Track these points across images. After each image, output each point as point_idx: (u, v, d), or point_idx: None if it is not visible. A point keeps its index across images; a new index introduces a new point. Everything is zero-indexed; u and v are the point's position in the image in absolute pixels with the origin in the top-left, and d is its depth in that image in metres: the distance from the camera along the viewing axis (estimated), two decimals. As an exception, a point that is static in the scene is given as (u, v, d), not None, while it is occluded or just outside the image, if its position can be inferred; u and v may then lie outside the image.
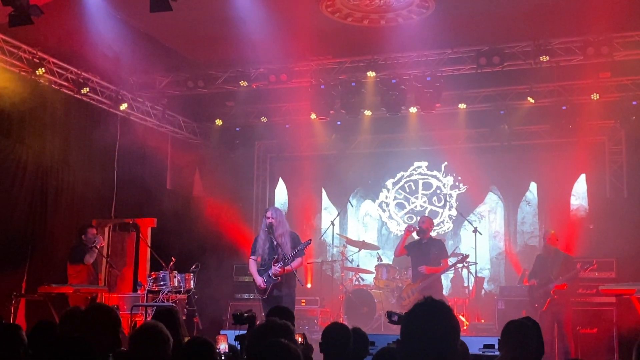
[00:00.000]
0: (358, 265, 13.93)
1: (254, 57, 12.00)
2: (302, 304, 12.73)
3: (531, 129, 13.90)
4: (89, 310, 4.43)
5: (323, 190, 15.74)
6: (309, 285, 14.27)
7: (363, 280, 13.54)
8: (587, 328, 10.61)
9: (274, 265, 9.08)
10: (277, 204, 15.22)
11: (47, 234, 11.46)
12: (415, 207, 15.13)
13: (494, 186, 14.73)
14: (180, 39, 11.86)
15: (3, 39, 10.48)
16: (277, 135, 14.94)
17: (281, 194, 16.02)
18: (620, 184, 13.43)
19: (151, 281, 10.67)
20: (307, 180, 15.51)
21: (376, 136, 14.95)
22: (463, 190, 14.83)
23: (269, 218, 9.27)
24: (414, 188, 15.24)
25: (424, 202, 15.11)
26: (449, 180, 14.97)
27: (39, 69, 10.95)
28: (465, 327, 11.88)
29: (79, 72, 11.84)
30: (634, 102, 12.27)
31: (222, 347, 5.34)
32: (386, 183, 15.39)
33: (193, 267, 11.04)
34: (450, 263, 11.17)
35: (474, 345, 6.97)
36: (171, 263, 10.82)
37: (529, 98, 12.62)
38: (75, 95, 11.92)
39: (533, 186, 14.49)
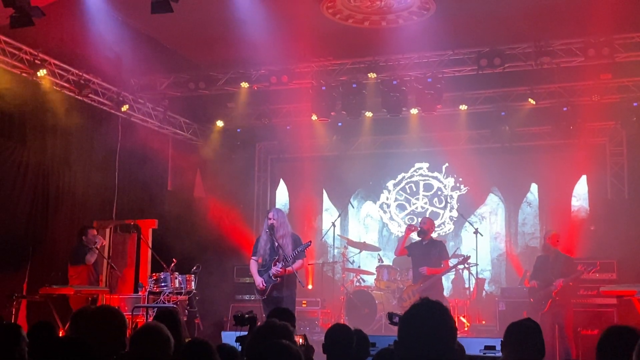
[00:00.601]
0: (359, 267, 13.93)
1: (255, 59, 12.02)
2: (303, 305, 12.74)
3: (532, 131, 13.91)
4: (97, 312, 4.44)
5: (324, 192, 15.75)
6: (310, 287, 14.28)
7: (364, 281, 13.55)
8: (588, 329, 10.61)
9: (274, 266, 9.09)
10: (278, 205, 15.23)
11: (48, 235, 11.47)
12: (416, 208, 15.14)
13: (495, 187, 14.73)
14: (181, 41, 11.88)
15: (4, 40, 10.49)
16: (278, 137, 14.95)
17: (282, 195, 16.02)
18: (621, 185, 13.43)
19: (152, 282, 10.68)
20: (308, 182, 15.53)
21: (377, 137, 14.96)
22: (464, 192, 14.83)
23: (270, 219, 9.28)
24: (414, 189, 15.24)
25: (425, 203, 15.12)
26: (450, 181, 14.97)
27: (41, 71, 10.96)
28: (466, 329, 11.88)
29: (80, 73, 11.84)
30: (635, 104, 12.27)
31: None
32: (387, 184, 15.40)
33: (194, 268, 11.04)
34: (451, 264, 11.17)
35: (475, 347, 6.97)
36: (172, 264, 10.83)
37: (529, 99, 12.63)
38: (77, 96, 11.92)
39: (534, 187, 14.49)
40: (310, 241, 9.58)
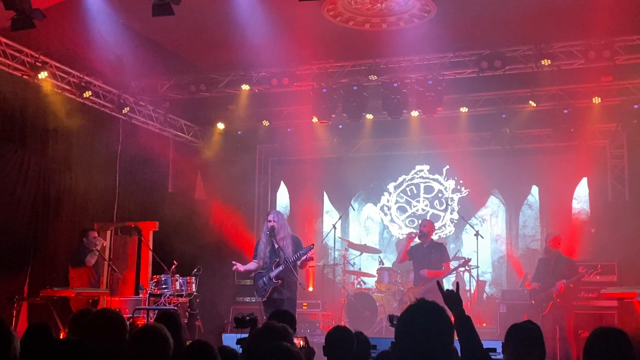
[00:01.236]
0: (360, 269, 13.93)
1: (255, 61, 12.02)
2: (304, 308, 12.74)
3: (533, 133, 13.92)
4: (97, 315, 4.43)
5: (325, 194, 15.75)
6: (310, 289, 14.28)
7: (365, 283, 13.55)
8: (589, 331, 10.59)
9: (274, 268, 9.10)
10: (278, 208, 15.23)
11: (49, 237, 11.47)
12: (417, 210, 15.14)
13: (495, 190, 14.74)
14: (182, 43, 11.88)
15: (5, 42, 10.51)
16: (278, 139, 14.95)
17: (283, 198, 16.03)
18: (622, 188, 13.43)
19: (153, 284, 10.69)
20: (309, 184, 15.53)
21: (378, 140, 14.97)
22: (465, 194, 14.83)
23: (270, 221, 9.29)
24: (415, 191, 15.25)
25: (426, 205, 15.12)
26: (451, 183, 14.97)
27: (42, 73, 10.97)
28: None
29: (82, 75, 11.86)
30: (636, 106, 12.29)
31: None
32: (388, 186, 15.40)
33: (195, 270, 11.05)
34: (452, 266, 11.17)
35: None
36: (173, 266, 10.84)
37: (530, 102, 12.64)
38: (78, 99, 11.94)
39: (535, 190, 14.49)
40: (313, 244, 9.57)
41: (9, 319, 9.66)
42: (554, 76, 12.00)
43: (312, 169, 15.29)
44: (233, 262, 9.61)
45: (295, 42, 11.20)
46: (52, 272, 11.21)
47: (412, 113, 13.20)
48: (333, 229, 13.52)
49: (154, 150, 13.53)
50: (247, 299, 12.92)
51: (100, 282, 11.37)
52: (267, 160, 16.12)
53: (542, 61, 11.35)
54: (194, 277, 10.96)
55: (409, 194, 15.27)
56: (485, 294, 13.43)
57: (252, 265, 9.50)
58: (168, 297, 10.50)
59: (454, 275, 12.45)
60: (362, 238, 15.17)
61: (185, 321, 10.64)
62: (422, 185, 15.23)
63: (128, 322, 8.48)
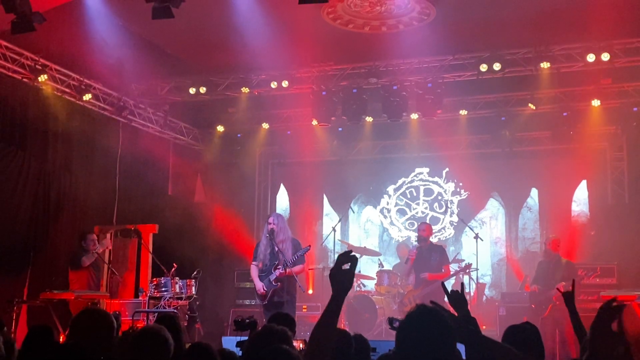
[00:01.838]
0: (359, 271, 13.91)
1: (255, 64, 12.03)
2: (304, 310, 12.73)
3: (532, 135, 13.93)
4: (80, 316, 4.42)
5: (324, 197, 15.75)
6: (310, 292, 14.27)
7: (364, 286, 13.53)
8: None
9: (274, 270, 9.11)
10: (278, 210, 15.23)
11: (49, 240, 11.48)
12: (417, 213, 15.13)
13: (495, 192, 14.74)
14: (181, 46, 11.89)
15: (5, 45, 10.52)
16: (278, 142, 14.97)
17: (283, 200, 16.03)
18: (622, 190, 13.43)
19: (153, 287, 10.69)
20: (309, 187, 15.53)
21: (377, 142, 14.97)
22: (464, 197, 14.83)
23: (270, 224, 9.30)
24: (415, 194, 15.25)
25: (425, 208, 15.12)
26: (450, 186, 14.97)
27: (42, 76, 10.98)
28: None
29: (82, 78, 11.87)
30: (635, 109, 12.32)
31: None
32: (387, 189, 15.40)
33: (194, 273, 11.05)
34: (451, 269, 11.18)
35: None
36: (173, 269, 10.84)
37: (530, 104, 12.65)
38: (78, 101, 11.95)
39: (534, 192, 14.49)
40: (310, 246, 9.60)
41: (8, 321, 9.65)
42: (553, 79, 12.01)
43: (311, 172, 15.29)
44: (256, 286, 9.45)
45: (295, 45, 11.22)
46: (51, 275, 11.21)
47: (411, 116, 13.21)
48: (333, 232, 13.52)
49: (153, 153, 13.55)
50: (247, 302, 12.91)
51: (100, 285, 11.37)
52: (267, 162, 16.12)
53: (542, 64, 11.37)
54: (193, 280, 10.97)
55: (409, 196, 15.27)
56: (484, 296, 13.42)
57: (254, 272, 9.49)
58: (168, 300, 10.51)
59: (454, 277, 12.46)
60: (362, 241, 15.17)
61: (185, 324, 10.65)
62: (421, 188, 15.23)
63: (131, 326, 8.49)
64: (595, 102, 12.34)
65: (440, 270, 10.66)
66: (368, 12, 10.54)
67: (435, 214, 15.00)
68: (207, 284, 12.37)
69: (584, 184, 13.97)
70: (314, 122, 13.28)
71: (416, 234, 11.29)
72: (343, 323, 12.41)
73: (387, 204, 15.39)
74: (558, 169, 13.89)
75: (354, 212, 15.39)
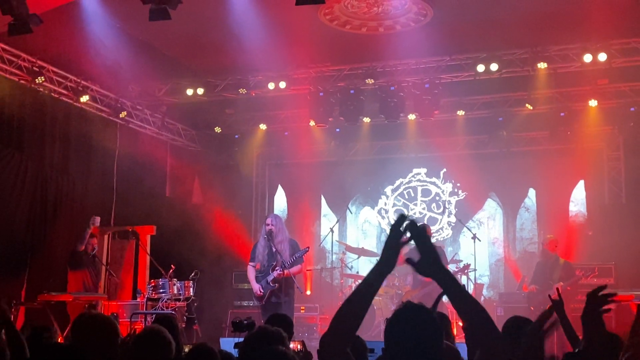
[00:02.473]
0: (357, 272, 13.93)
1: (252, 65, 12.03)
2: (302, 311, 12.73)
3: (530, 136, 13.94)
4: (83, 320, 4.41)
5: (322, 197, 15.76)
6: (308, 292, 14.26)
7: (362, 287, 13.52)
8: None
9: (272, 271, 9.11)
10: (276, 211, 15.24)
11: (47, 241, 11.47)
12: (414, 213, 15.13)
13: (492, 193, 14.75)
14: (179, 47, 11.89)
15: (3, 47, 10.52)
16: (276, 143, 14.97)
17: (280, 201, 16.03)
18: (619, 190, 13.45)
19: (150, 289, 10.70)
20: (306, 188, 15.53)
21: (375, 143, 14.98)
22: (462, 197, 14.84)
23: (268, 225, 9.31)
24: (413, 195, 15.25)
25: (423, 208, 15.12)
26: (448, 186, 14.98)
27: (39, 78, 10.99)
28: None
29: (79, 80, 11.87)
30: (632, 109, 12.31)
31: None
32: (385, 190, 15.41)
33: (192, 274, 11.06)
34: (449, 269, 11.18)
35: (473, 352, 6.96)
36: (170, 271, 10.84)
37: (527, 105, 12.65)
38: (75, 103, 11.95)
39: (532, 192, 14.51)
40: (308, 247, 9.62)
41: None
42: (550, 79, 12.02)
43: (309, 173, 15.29)
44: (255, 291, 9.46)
45: (292, 46, 11.22)
46: (49, 276, 11.21)
47: (409, 116, 13.21)
48: (330, 233, 13.53)
49: (151, 154, 13.54)
50: (245, 303, 12.91)
51: (98, 286, 11.36)
52: (265, 163, 16.12)
53: (539, 64, 11.39)
54: (191, 281, 10.97)
55: (407, 197, 15.28)
56: (482, 296, 13.44)
57: (251, 273, 9.49)
58: (166, 302, 10.51)
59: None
60: (360, 241, 15.18)
61: (183, 325, 10.65)
62: (419, 189, 15.24)
63: (129, 333, 8.47)
64: (593, 102, 12.35)
65: (438, 271, 10.65)
66: (365, 13, 10.54)
67: (433, 215, 15.00)
68: (205, 286, 12.37)
69: (581, 184, 13.99)
70: (312, 123, 13.28)
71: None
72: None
73: (385, 204, 15.39)
74: (555, 169, 13.90)
75: (351, 213, 15.40)
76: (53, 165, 11.76)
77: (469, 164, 14.20)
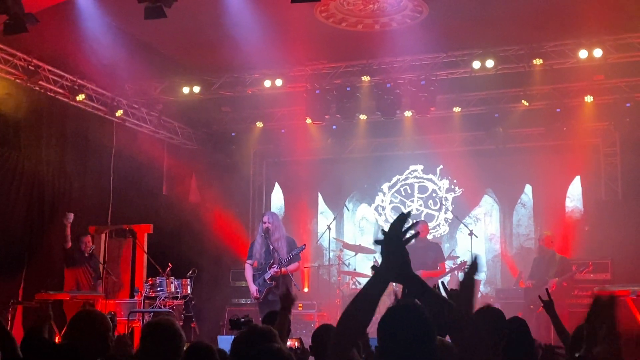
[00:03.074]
0: (355, 269, 13.94)
1: (248, 63, 12.03)
2: (299, 309, 12.74)
3: (526, 132, 13.95)
4: (76, 318, 4.40)
5: (319, 195, 15.76)
6: (305, 290, 14.28)
7: (360, 284, 13.54)
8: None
9: (269, 269, 9.13)
10: (273, 209, 15.24)
11: (44, 241, 11.46)
12: (411, 210, 15.14)
13: (489, 189, 14.76)
14: (175, 45, 11.89)
15: (-2, 47, 10.52)
16: (272, 140, 14.97)
17: (277, 199, 16.03)
18: (615, 186, 13.48)
19: (148, 287, 10.70)
20: (303, 185, 15.54)
21: (371, 140, 14.98)
22: (459, 193, 14.86)
23: (265, 222, 9.33)
24: (409, 191, 15.27)
25: (420, 205, 15.14)
26: (445, 183, 15.00)
27: (35, 77, 10.96)
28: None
29: (75, 79, 11.86)
30: (628, 104, 12.32)
31: None
32: (382, 187, 15.42)
33: (190, 272, 11.06)
34: (447, 266, 11.21)
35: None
36: (168, 269, 10.84)
37: (523, 101, 12.67)
38: (71, 102, 11.94)
39: (528, 188, 14.52)
40: (305, 245, 9.64)
41: (4, 323, 9.65)
42: (546, 75, 12.04)
43: (306, 170, 15.29)
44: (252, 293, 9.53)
45: (288, 44, 11.23)
46: (47, 275, 11.21)
47: (405, 113, 13.22)
48: (328, 230, 13.53)
49: (148, 152, 13.53)
50: (243, 301, 12.92)
51: (97, 285, 11.35)
52: (262, 161, 16.12)
53: (534, 60, 11.39)
54: (189, 279, 10.97)
55: (403, 194, 15.30)
56: (479, 293, 13.45)
57: (249, 271, 9.51)
58: (163, 300, 10.51)
59: (449, 275, 12.50)
60: (357, 238, 15.18)
61: (181, 323, 10.64)
62: (416, 185, 15.26)
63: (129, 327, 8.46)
64: (588, 98, 12.37)
65: (436, 268, 10.69)
66: (361, 10, 10.55)
67: (429, 211, 15.02)
68: (202, 283, 12.37)
69: (577, 179, 14.01)
70: (308, 121, 13.28)
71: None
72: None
73: (382, 201, 15.41)
74: (552, 165, 13.92)
75: (348, 210, 15.40)
76: (50, 164, 11.75)
77: (465, 161, 14.22)
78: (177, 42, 11.56)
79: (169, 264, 10.93)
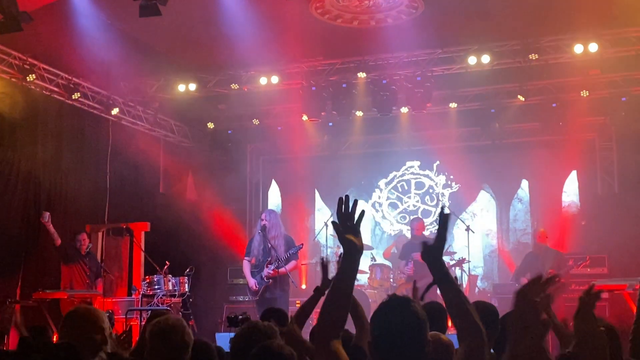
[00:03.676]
0: (352, 266, 13.91)
1: (244, 60, 12.02)
2: (297, 305, 12.74)
3: (522, 127, 13.96)
4: (69, 315, 4.38)
5: (316, 192, 15.76)
6: (303, 287, 14.28)
7: (357, 280, 13.50)
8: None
9: (266, 267, 9.14)
10: (270, 206, 15.23)
11: (41, 239, 11.45)
12: (408, 206, 15.17)
13: (486, 184, 14.78)
14: (170, 43, 11.86)
15: (-7, 45, 10.50)
16: (269, 138, 14.95)
17: (274, 196, 16.03)
18: (611, 180, 13.50)
19: (146, 285, 10.70)
20: (300, 182, 15.53)
21: (368, 137, 14.97)
22: (455, 189, 14.88)
23: (263, 220, 9.35)
24: (406, 188, 15.28)
25: (417, 201, 15.16)
26: (441, 179, 15.01)
27: (30, 75, 10.93)
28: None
29: (70, 77, 11.83)
30: (624, 99, 12.34)
31: None
32: (379, 183, 15.43)
33: (187, 270, 11.06)
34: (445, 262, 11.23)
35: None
36: (165, 267, 10.85)
37: (519, 96, 12.67)
38: (67, 100, 11.91)
39: (525, 184, 14.55)
40: (302, 244, 9.65)
41: (1, 322, 9.67)
42: (542, 70, 12.05)
43: (303, 167, 15.29)
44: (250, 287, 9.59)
45: (283, 41, 11.21)
46: (44, 274, 11.22)
47: (401, 109, 13.22)
48: (325, 227, 13.54)
49: (144, 151, 13.51)
50: (240, 298, 12.91)
51: (96, 284, 11.34)
52: (258, 159, 16.11)
53: (530, 55, 11.39)
54: (186, 277, 10.97)
55: (400, 190, 15.31)
56: (477, 288, 13.48)
57: (247, 268, 9.52)
58: (161, 298, 10.52)
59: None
60: (354, 235, 15.16)
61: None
62: (412, 181, 15.27)
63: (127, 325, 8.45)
64: (584, 93, 12.36)
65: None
66: (356, 7, 10.54)
67: (426, 207, 15.04)
68: (200, 281, 12.37)
69: (573, 174, 14.03)
70: (304, 118, 13.28)
71: (409, 229, 11.33)
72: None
73: (379, 197, 15.42)
74: (548, 160, 13.93)
75: (345, 207, 15.38)
76: (46, 163, 11.74)
77: (462, 156, 14.23)
78: (172, 39, 11.54)
79: (167, 262, 10.93)
